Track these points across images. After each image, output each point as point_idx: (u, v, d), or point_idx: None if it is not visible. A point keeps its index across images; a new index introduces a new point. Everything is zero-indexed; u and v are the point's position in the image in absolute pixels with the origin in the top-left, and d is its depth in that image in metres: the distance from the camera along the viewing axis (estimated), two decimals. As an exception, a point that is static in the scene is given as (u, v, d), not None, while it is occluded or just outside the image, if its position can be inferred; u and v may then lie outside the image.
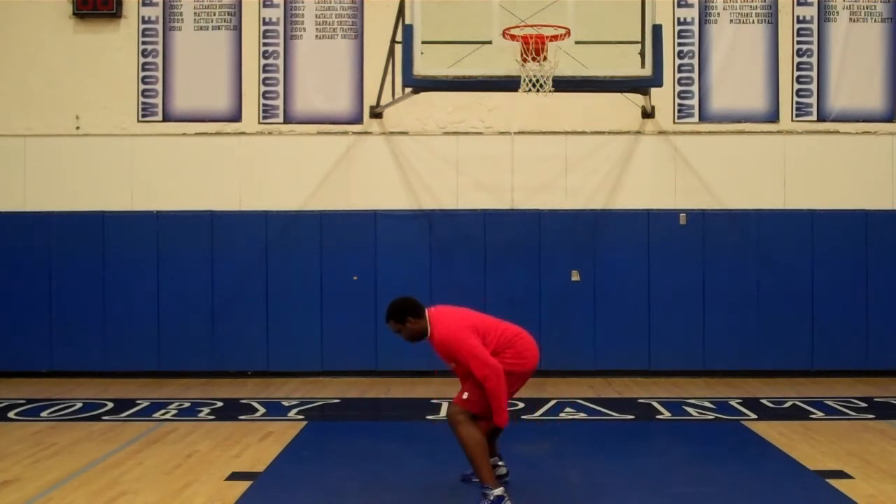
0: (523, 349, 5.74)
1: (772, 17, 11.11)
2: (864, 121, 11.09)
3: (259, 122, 11.16)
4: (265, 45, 11.16)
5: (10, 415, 8.64)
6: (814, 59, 11.10)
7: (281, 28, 11.16)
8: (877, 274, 10.86)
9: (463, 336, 5.48)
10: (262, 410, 8.85)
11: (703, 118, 11.13)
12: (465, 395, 5.60)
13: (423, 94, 9.59)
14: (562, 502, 5.82)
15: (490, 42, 8.20)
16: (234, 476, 6.33)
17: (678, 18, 11.10)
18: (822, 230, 10.89)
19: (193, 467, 6.59)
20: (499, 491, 5.50)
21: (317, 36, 11.16)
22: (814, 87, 11.11)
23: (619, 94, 10.06)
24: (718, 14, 11.09)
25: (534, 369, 5.80)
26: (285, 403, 9.18)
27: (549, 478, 6.32)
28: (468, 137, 11.12)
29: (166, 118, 11.15)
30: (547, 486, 6.10)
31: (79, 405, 9.09)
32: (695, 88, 11.12)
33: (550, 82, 8.07)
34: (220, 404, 9.17)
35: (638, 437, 7.78)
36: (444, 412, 8.48)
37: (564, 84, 8.24)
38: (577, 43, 8.19)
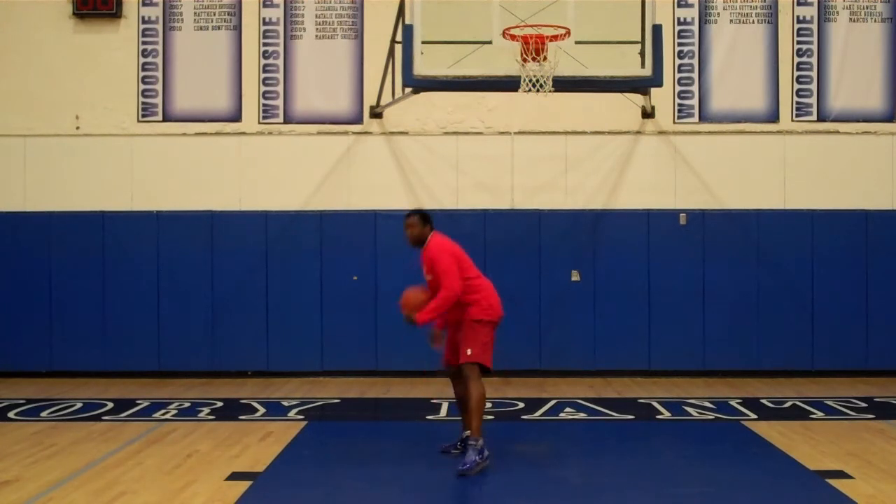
0: (493, 301, 6.58)
1: (772, 17, 11.11)
2: (864, 121, 11.09)
3: (259, 122, 11.16)
4: (265, 45, 11.16)
5: (10, 415, 8.64)
6: (814, 59, 11.10)
7: (281, 28, 11.16)
8: (877, 274, 10.86)
9: (444, 255, 6.51)
10: (262, 410, 8.85)
11: (703, 118, 11.13)
12: (468, 352, 6.38)
13: (423, 94, 9.60)
14: (562, 502, 5.82)
15: (490, 42, 8.20)
16: (234, 476, 6.32)
17: (678, 18, 11.10)
18: (822, 230, 10.88)
19: (193, 467, 6.59)
20: (482, 442, 6.36)
21: (317, 36, 11.16)
22: (814, 87, 11.11)
23: (619, 94, 10.06)
24: (718, 14, 11.09)
25: (501, 319, 6.61)
26: (285, 403, 9.18)
27: (549, 478, 6.32)
28: (468, 137, 11.12)
29: (166, 118, 11.16)
30: (547, 486, 6.10)
31: (79, 405, 9.08)
32: (695, 88, 11.12)
33: (550, 82, 8.07)
34: (220, 404, 9.17)
35: (638, 437, 7.77)
36: (444, 412, 8.51)
37: (564, 84, 8.23)
38: (577, 43, 8.19)
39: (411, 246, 6.72)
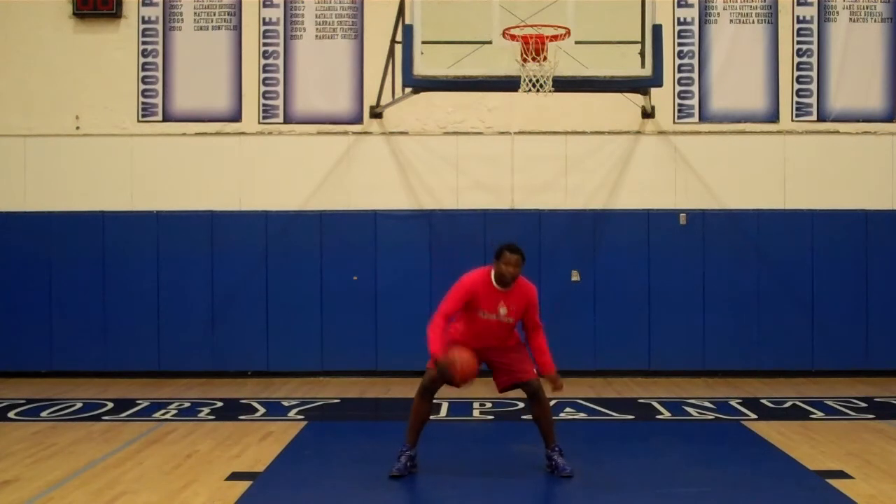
0: None
1: (772, 17, 11.11)
2: (864, 121, 11.09)
3: (259, 122, 11.16)
4: (265, 45, 11.16)
5: (10, 415, 8.64)
6: (814, 59, 11.10)
7: (281, 28, 11.16)
8: (877, 274, 10.86)
9: None
10: (262, 410, 8.85)
11: (703, 118, 11.13)
12: (534, 370, 6.41)
13: (423, 94, 9.60)
14: (562, 502, 5.82)
15: (490, 42, 8.20)
16: (234, 476, 6.32)
17: (678, 18, 11.10)
18: (822, 230, 10.88)
19: (193, 467, 6.58)
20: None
21: (317, 36, 11.16)
22: (814, 87, 11.11)
23: (619, 94, 10.06)
24: (718, 14, 11.09)
25: None
26: (285, 403, 9.18)
27: (549, 478, 6.31)
28: (468, 137, 11.11)
29: (166, 118, 11.16)
30: (547, 487, 6.10)
31: (79, 405, 9.08)
32: (695, 88, 11.12)
33: (550, 82, 8.07)
34: (220, 404, 9.16)
35: (638, 437, 7.77)
36: (444, 412, 8.50)
37: (564, 84, 8.24)
38: (577, 43, 8.19)
39: (505, 283, 6.11)
